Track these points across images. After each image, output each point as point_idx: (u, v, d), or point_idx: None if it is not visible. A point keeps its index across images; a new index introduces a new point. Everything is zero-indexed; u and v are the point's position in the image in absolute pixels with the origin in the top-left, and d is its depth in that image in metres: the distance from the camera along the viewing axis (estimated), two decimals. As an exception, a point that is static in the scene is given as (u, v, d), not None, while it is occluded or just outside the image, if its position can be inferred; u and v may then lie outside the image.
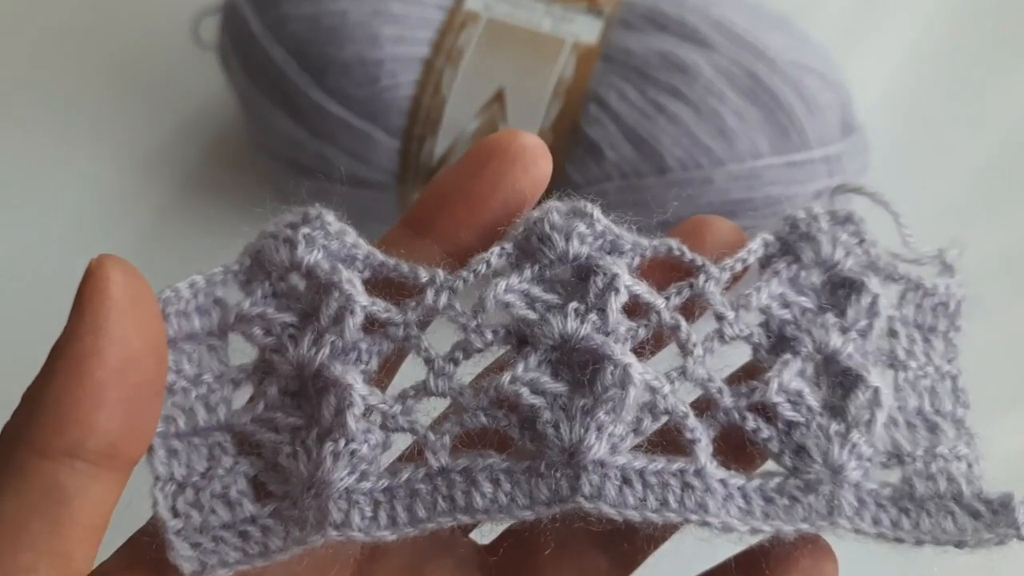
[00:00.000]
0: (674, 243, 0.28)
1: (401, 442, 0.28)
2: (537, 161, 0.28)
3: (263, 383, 0.27)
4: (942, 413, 0.28)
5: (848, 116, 0.52)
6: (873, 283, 0.28)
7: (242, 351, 0.29)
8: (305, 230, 0.27)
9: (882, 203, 0.30)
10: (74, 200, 0.62)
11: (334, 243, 0.27)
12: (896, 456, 0.28)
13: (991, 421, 0.49)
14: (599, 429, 0.25)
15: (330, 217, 0.28)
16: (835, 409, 0.27)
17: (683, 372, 0.27)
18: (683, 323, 0.27)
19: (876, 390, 0.27)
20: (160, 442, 0.26)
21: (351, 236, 0.28)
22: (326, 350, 0.26)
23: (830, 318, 0.28)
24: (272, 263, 0.27)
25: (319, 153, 0.52)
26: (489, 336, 0.27)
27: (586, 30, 0.50)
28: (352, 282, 0.27)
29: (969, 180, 0.65)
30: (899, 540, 0.27)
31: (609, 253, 0.27)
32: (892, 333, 0.29)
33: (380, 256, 0.28)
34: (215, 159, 0.64)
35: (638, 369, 0.26)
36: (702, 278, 0.28)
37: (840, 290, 0.28)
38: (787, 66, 0.49)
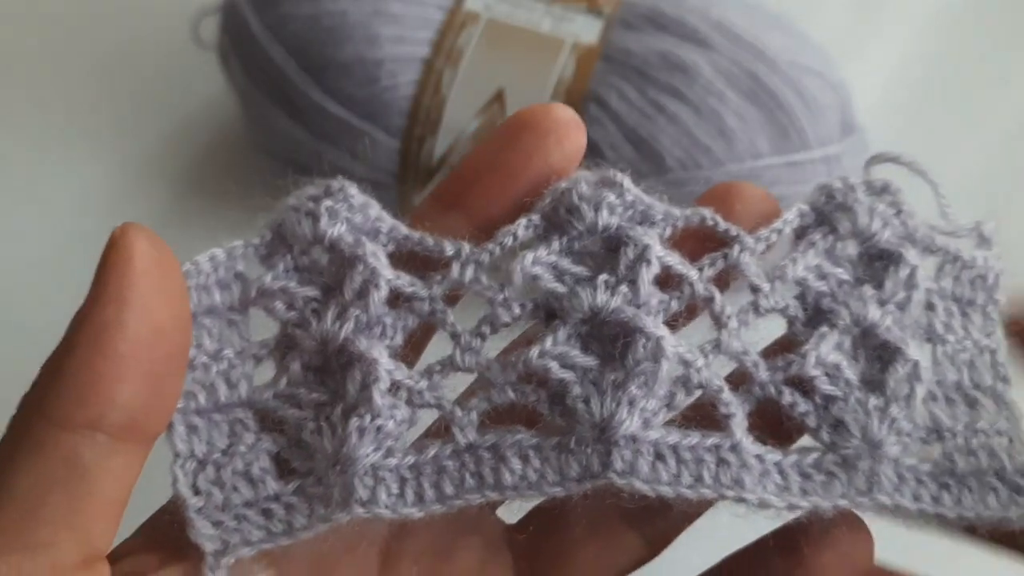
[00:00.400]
0: (707, 212, 0.27)
1: (427, 418, 0.27)
2: (571, 134, 0.27)
3: (285, 358, 0.27)
4: (982, 388, 0.27)
5: (848, 116, 0.52)
6: (911, 255, 0.27)
7: (263, 326, 0.28)
8: (328, 203, 0.26)
9: (920, 172, 0.29)
10: (74, 200, 0.62)
11: (357, 216, 0.26)
12: (936, 431, 0.27)
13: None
14: (631, 403, 0.25)
15: (353, 190, 0.27)
16: (873, 383, 0.27)
17: (717, 345, 0.26)
18: (717, 295, 0.26)
19: (915, 364, 0.26)
20: (180, 418, 0.25)
21: (375, 209, 0.27)
22: (350, 324, 0.25)
23: (868, 290, 0.27)
24: (294, 236, 0.26)
25: (319, 153, 0.52)
26: (517, 310, 0.26)
27: (586, 30, 0.50)
28: (376, 255, 0.26)
29: (969, 180, 0.65)
30: (941, 517, 0.26)
31: (640, 224, 0.26)
32: (930, 306, 0.28)
33: (404, 229, 0.27)
34: (215, 159, 0.64)
35: (671, 342, 0.25)
36: (736, 248, 0.27)
37: (877, 262, 0.27)
38: (787, 66, 0.49)
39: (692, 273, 0.26)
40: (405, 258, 0.27)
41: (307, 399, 0.26)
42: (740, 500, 0.25)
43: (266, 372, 0.28)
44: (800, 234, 0.28)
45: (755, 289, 0.27)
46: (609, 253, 0.26)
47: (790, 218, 0.27)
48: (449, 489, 0.25)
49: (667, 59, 0.48)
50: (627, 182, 0.27)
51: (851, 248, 0.27)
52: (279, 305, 0.26)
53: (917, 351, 0.27)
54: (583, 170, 0.27)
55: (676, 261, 0.26)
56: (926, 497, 0.26)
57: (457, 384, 0.28)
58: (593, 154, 0.48)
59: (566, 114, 0.27)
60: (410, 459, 0.25)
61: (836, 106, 0.51)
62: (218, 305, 0.26)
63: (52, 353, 0.25)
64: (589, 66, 0.49)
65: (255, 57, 0.52)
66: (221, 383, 0.26)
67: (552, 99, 0.49)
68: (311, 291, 0.26)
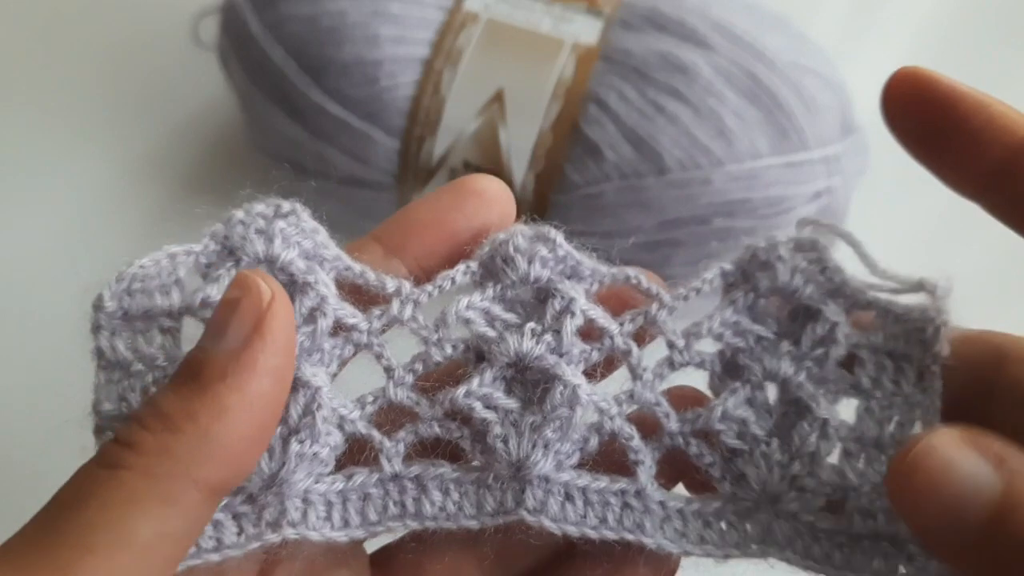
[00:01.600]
0: (632, 272, 0.29)
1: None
2: (509, 208, 0.29)
3: None
4: (906, 443, 0.26)
5: (847, 116, 0.52)
6: (831, 310, 0.27)
7: (191, 336, 0.27)
8: (281, 224, 0.27)
9: (839, 235, 0.29)
10: (74, 199, 0.62)
11: (307, 241, 0.27)
12: (841, 489, 0.27)
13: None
14: (546, 446, 0.26)
15: (305, 215, 0.28)
16: (783, 438, 0.27)
17: (631, 395, 0.28)
18: (635, 348, 0.28)
19: (824, 422, 0.27)
20: (108, 422, 0.25)
21: (322, 235, 0.28)
22: (295, 350, 0.26)
23: (785, 346, 0.28)
24: (243, 251, 0.27)
25: (318, 153, 0.52)
26: (448, 350, 0.28)
27: (586, 30, 0.50)
28: (327, 285, 0.27)
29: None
30: (827, 574, 0.27)
31: (569, 278, 0.28)
32: (859, 361, 0.28)
33: (348, 260, 0.28)
34: (214, 159, 0.64)
35: (586, 390, 0.27)
36: (655, 306, 0.28)
37: (799, 318, 0.28)
38: (786, 67, 0.49)
39: (613, 327, 0.28)
40: (338, 284, 0.28)
41: None
42: (639, 544, 0.27)
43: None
44: (727, 291, 0.29)
45: (670, 345, 0.28)
46: (538, 303, 0.28)
47: (709, 277, 0.28)
48: (373, 516, 0.26)
49: (667, 59, 0.48)
50: (560, 238, 0.28)
51: (776, 305, 0.28)
52: None
53: (829, 410, 0.27)
54: (521, 224, 0.28)
55: (599, 315, 0.28)
56: (817, 554, 0.26)
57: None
58: (593, 154, 0.48)
59: (505, 191, 0.29)
60: (338, 485, 0.26)
61: (836, 106, 0.51)
62: (156, 310, 0.26)
63: (188, 399, 0.24)
64: (589, 66, 0.49)
65: (255, 57, 0.52)
66: (155, 392, 0.26)
67: (552, 99, 0.49)
68: None
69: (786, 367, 0.27)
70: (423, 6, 0.51)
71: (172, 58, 0.66)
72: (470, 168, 0.50)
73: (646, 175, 0.48)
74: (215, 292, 0.26)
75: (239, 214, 0.27)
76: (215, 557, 0.26)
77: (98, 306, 0.26)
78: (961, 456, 0.22)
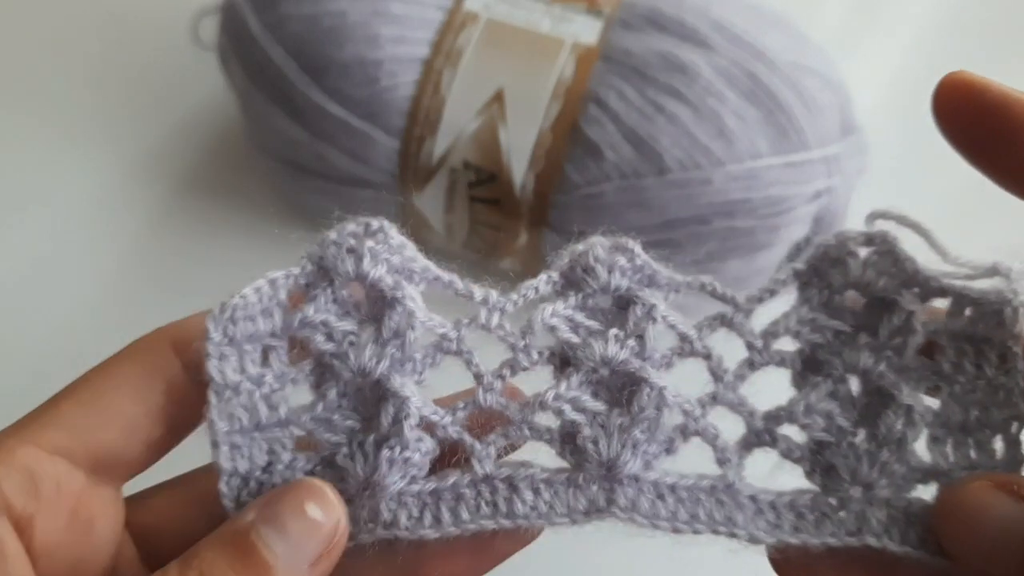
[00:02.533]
0: (706, 279, 0.29)
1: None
2: None
3: (322, 386, 0.29)
4: (991, 426, 0.28)
5: (847, 116, 0.52)
6: (906, 300, 0.28)
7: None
8: (370, 243, 0.28)
9: (910, 225, 0.30)
10: (74, 199, 0.62)
11: (395, 257, 0.29)
12: (932, 473, 0.28)
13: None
14: (635, 446, 0.27)
15: (393, 231, 0.29)
16: (869, 427, 0.28)
17: (714, 397, 0.29)
18: (714, 352, 0.29)
19: (908, 408, 0.28)
20: (224, 438, 0.27)
21: (410, 250, 0.29)
22: (386, 362, 0.28)
23: (863, 338, 0.28)
24: (336, 271, 0.28)
25: (318, 153, 0.52)
26: (535, 356, 0.29)
27: (585, 30, 0.50)
28: (415, 299, 0.29)
29: (968, 180, 0.65)
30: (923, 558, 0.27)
31: (647, 286, 0.29)
32: (939, 348, 0.29)
33: (435, 270, 0.30)
34: (215, 159, 0.64)
35: (672, 392, 0.28)
36: (731, 310, 0.29)
37: (875, 310, 0.29)
38: (786, 67, 0.49)
39: (692, 332, 0.29)
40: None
41: (342, 425, 0.28)
42: (732, 536, 0.28)
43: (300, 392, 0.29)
44: (802, 289, 0.29)
45: (749, 346, 0.29)
46: (619, 311, 0.29)
47: (782, 277, 0.29)
48: (465, 515, 0.28)
49: (667, 59, 0.48)
50: (637, 248, 0.29)
51: (850, 299, 0.29)
52: (319, 336, 0.28)
53: (912, 396, 0.28)
54: (598, 236, 0.30)
55: (679, 320, 0.29)
56: (913, 538, 0.27)
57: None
58: (593, 154, 0.48)
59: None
60: (431, 485, 0.28)
61: (835, 106, 0.51)
62: (261, 332, 0.28)
63: None
64: (589, 66, 0.49)
65: (255, 57, 0.52)
66: (262, 405, 0.28)
67: (552, 99, 0.49)
68: (349, 324, 0.29)
69: (866, 359, 0.28)
70: (423, 6, 0.51)
71: (172, 58, 0.66)
72: (470, 168, 0.50)
73: (646, 175, 0.48)
74: (312, 311, 0.28)
75: (332, 235, 0.29)
76: None
77: (205, 336, 0.27)
78: (995, 500, 0.24)
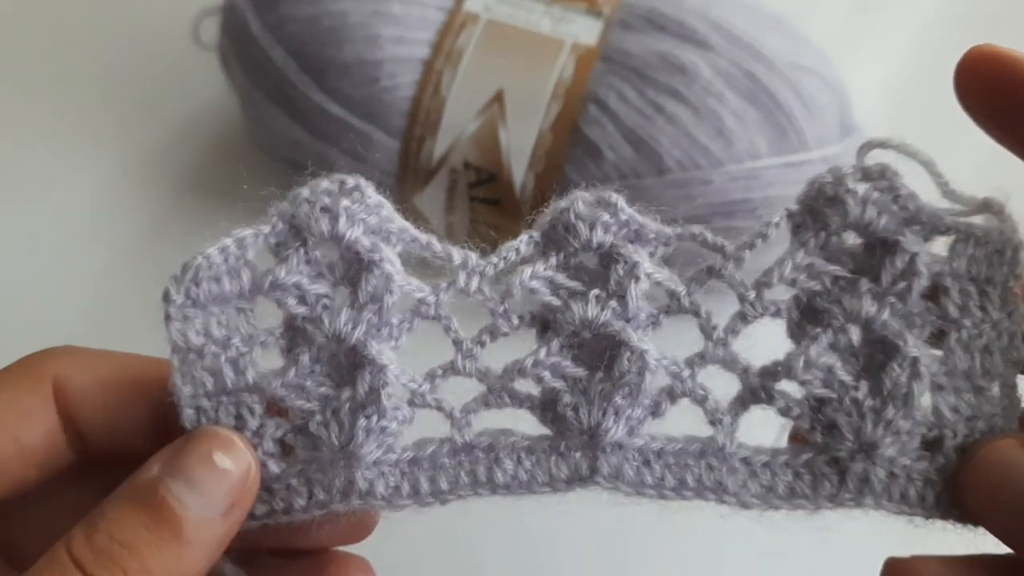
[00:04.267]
0: (696, 229, 0.28)
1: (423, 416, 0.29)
2: None
3: (294, 350, 0.27)
4: (992, 374, 0.26)
5: (846, 117, 0.52)
6: (908, 240, 0.26)
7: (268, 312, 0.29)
8: (346, 202, 0.27)
9: (911, 153, 0.28)
10: (75, 199, 0.62)
11: (372, 217, 0.27)
12: (937, 426, 0.26)
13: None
14: (616, 412, 0.26)
15: (370, 190, 0.28)
16: (873, 381, 0.26)
17: (702, 356, 0.27)
18: (702, 308, 0.27)
19: (915, 360, 0.25)
20: (189, 402, 0.26)
21: (387, 209, 0.28)
22: (363, 327, 0.26)
23: (864, 284, 0.26)
24: (309, 231, 0.27)
25: (319, 153, 0.52)
26: (515, 321, 0.28)
27: (585, 31, 0.51)
28: (392, 262, 0.27)
29: (967, 180, 0.65)
30: (924, 516, 0.26)
31: (632, 242, 0.27)
32: (944, 290, 0.26)
33: (413, 231, 0.28)
34: (215, 159, 0.64)
35: (654, 355, 0.26)
36: (719, 259, 0.27)
37: (876, 252, 0.26)
38: (786, 67, 0.49)
39: (680, 288, 0.27)
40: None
41: (314, 392, 0.27)
42: (722, 502, 0.26)
43: (270, 356, 0.29)
44: (796, 232, 0.27)
45: (741, 298, 0.27)
46: (602, 269, 0.27)
47: (776, 220, 0.27)
48: (444, 485, 0.27)
49: (666, 60, 0.48)
50: (621, 202, 0.27)
51: (850, 241, 0.27)
52: (291, 299, 0.27)
53: (917, 346, 0.26)
54: (581, 191, 0.28)
55: (665, 277, 0.27)
56: (912, 496, 0.25)
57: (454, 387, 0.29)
58: (593, 154, 0.48)
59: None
60: (409, 455, 0.27)
61: (834, 106, 0.51)
62: (227, 293, 0.27)
63: (146, 544, 0.25)
64: (588, 67, 0.49)
65: (255, 58, 0.52)
66: (229, 369, 0.27)
67: (552, 99, 0.49)
68: (322, 287, 0.27)
69: (868, 306, 0.26)
70: (423, 7, 0.51)
71: (173, 58, 0.66)
72: (470, 168, 0.50)
73: (646, 175, 0.48)
74: (284, 273, 0.27)
75: (304, 192, 0.27)
76: (284, 518, 0.27)
77: (166, 298, 0.27)
78: (1017, 457, 0.23)
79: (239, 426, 0.27)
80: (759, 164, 0.47)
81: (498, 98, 0.50)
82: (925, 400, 0.26)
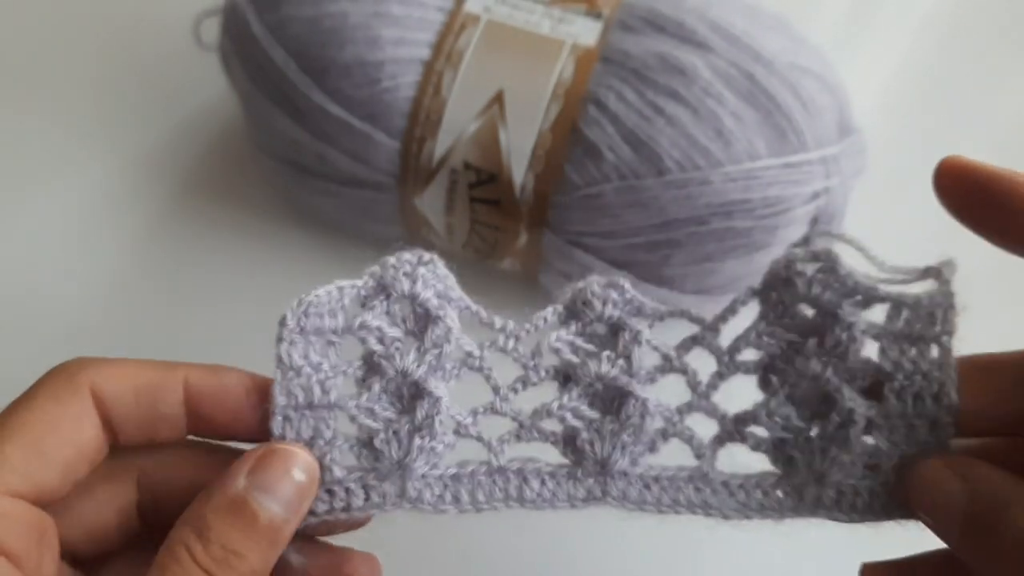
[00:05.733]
0: (683, 309, 0.35)
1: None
2: None
3: (368, 379, 0.34)
4: (924, 416, 0.32)
5: (845, 117, 0.52)
6: (846, 311, 0.33)
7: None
8: (422, 270, 0.34)
9: (848, 241, 0.35)
10: (76, 199, 0.62)
11: (439, 284, 0.35)
12: (876, 455, 0.33)
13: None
14: (623, 447, 0.33)
15: (440, 264, 0.35)
16: (822, 425, 0.33)
17: (690, 405, 0.35)
18: (690, 368, 0.35)
19: (850, 411, 0.32)
20: (281, 410, 0.33)
21: (451, 280, 0.36)
22: (424, 367, 0.34)
23: (812, 348, 0.33)
24: (392, 288, 0.34)
25: (320, 154, 0.52)
26: (543, 373, 0.35)
27: (585, 32, 0.51)
28: (454, 320, 0.35)
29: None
30: (872, 521, 0.33)
31: (635, 315, 0.35)
32: (881, 349, 0.33)
33: (468, 301, 0.36)
34: (216, 160, 0.64)
35: (653, 403, 0.34)
36: (700, 330, 0.35)
37: (823, 321, 0.33)
38: (785, 68, 0.49)
39: (672, 352, 0.35)
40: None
41: (381, 414, 0.34)
42: (708, 515, 0.34)
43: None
44: (761, 304, 0.35)
45: (718, 360, 0.35)
46: (611, 335, 0.35)
47: (742, 298, 0.35)
48: (480, 497, 0.34)
49: (665, 61, 0.49)
50: (627, 284, 0.35)
51: (801, 313, 0.34)
52: (372, 338, 0.34)
53: (853, 399, 0.33)
54: (596, 275, 0.36)
55: (660, 344, 0.35)
56: (860, 506, 0.33)
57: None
58: (592, 155, 0.48)
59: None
60: (452, 471, 0.34)
61: (834, 107, 0.51)
62: (325, 328, 0.34)
63: (242, 543, 0.30)
64: (588, 68, 0.49)
65: (256, 58, 0.53)
66: (317, 388, 0.33)
67: (552, 100, 0.49)
68: (398, 332, 0.35)
69: (815, 366, 0.33)
70: (424, 8, 0.52)
71: (174, 59, 0.66)
72: (470, 168, 0.50)
73: (645, 176, 0.48)
74: (370, 318, 0.34)
75: (391, 260, 0.35)
76: (343, 515, 0.33)
77: (282, 323, 0.33)
78: (942, 476, 0.31)
79: (315, 436, 0.33)
80: (758, 165, 0.47)
81: (498, 99, 0.50)
82: (861, 440, 0.33)
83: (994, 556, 0.28)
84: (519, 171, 0.49)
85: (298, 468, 0.31)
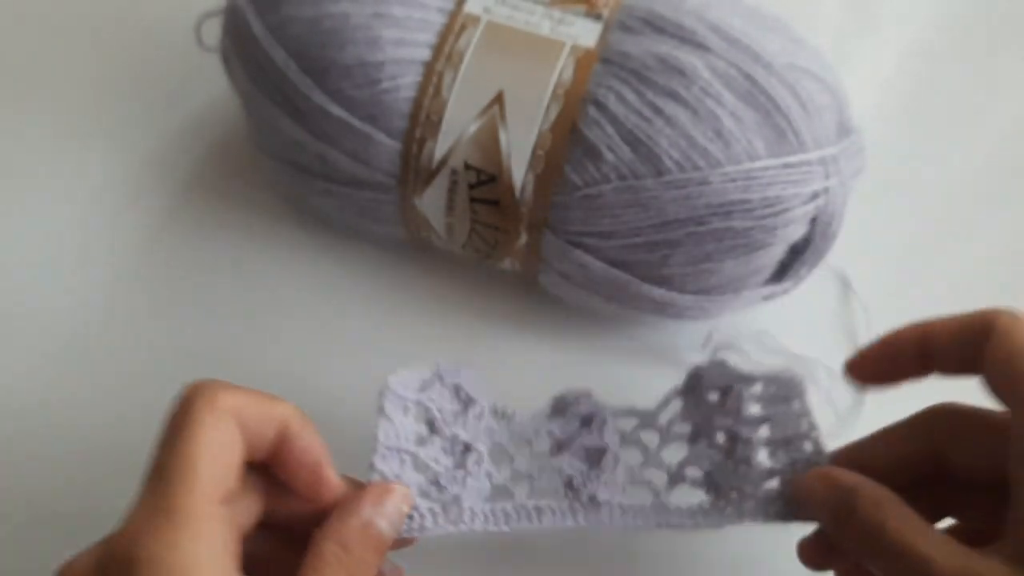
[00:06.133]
0: (632, 407, 0.50)
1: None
2: None
3: (433, 437, 0.46)
4: (798, 440, 0.45)
5: (844, 118, 0.52)
6: (736, 388, 0.48)
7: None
8: (466, 371, 0.48)
9: (737, 350, 0.53)
10: (76, 201, 0.62)
11: (476, 379, 0.49)
12: (772, 472, 0.45)
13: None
14: (604, 485, 0.45)
15: (476, 369, 0.49)
16: (733, 457, 0.46)
17: (646, 461, 0.49)
18: (642, 439, 0.50)
19: (748, 441, 0.46)
20: (381, 448, 0.43)
21: (483, 377, 0.49)
22: (471, 431, 0.47)
23: (720, 411, 0.48)
24: (445, 380, 0.47)
25: (320, 155, 0.53)
26: (546, 445, 0.48)
27: (585, 33, 0.51)
28: (486, 400, 0.48)
29: (965, 181, 0.65)
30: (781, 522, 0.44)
31: (604, 406, 0.49)
32: (764, 405, 0.47)
33: (491, 399, 0.49)
34: (217, 160, 0.64)
35: (624, 456, 0.47)
36: (650, 415, 0.50)
37: (726, 395, 0.48)
38: (784, 69, 0.49)
39: (629, 430, 0.49)
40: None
41: (443, 461, 0.45)
42: (667, 528, 0.45)
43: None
44: (683, 394, 0.49)
45: (661, 435, 0.50)
46: (587, 423, 0.48)
47: (670, 396, 0.50)
48: (512, 521, 0.44)
49: (665, 62, 0.49)
50: (595, 392, 0.48)
51: (714, 392, 0.48)
52: (434, 408, 0.46)
53: (751, 435, 0.47)
54: (573, 387, 0.49)
55: (622, 424, 0.49)
56: (773, 512, 0.44)
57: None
58: (592, 156, 0.49)
59: None
60: (490, 504, 0.44)
61: (833, 108, 0.51)
62: (407, 395, 0.45)
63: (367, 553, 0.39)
64: (588, 68, 0.50)
65: (257, 59, 0.53)
66: (401, 436, 0.44)
67: (551, 101, 0.49)
68: (452, 406, 0.47)
69: (722, 420, 0.47)
70: (424, 9, 0.52)
71: (175, 60, 0.66)
72: (471, 169, 0.50)
73: (644, 176, 0.48)
74: (434, 395, 0.46)
75: (443, 363, 0.47)
76: (418, 533, 0.42)
77: (383, 390, 0.45)
78: (816, 485, 0.41)
79: (399, 473, 0.43)
80: (757, 165, 0.48)
81: (498, 99, 0.50)
82: (766, 461, 0.46)
83: (850, 537, 0.38)
84: (519, 171, 0.50)
85: (404, 500, 0.41)
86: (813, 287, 0.55)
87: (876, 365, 0.42)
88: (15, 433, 0.53)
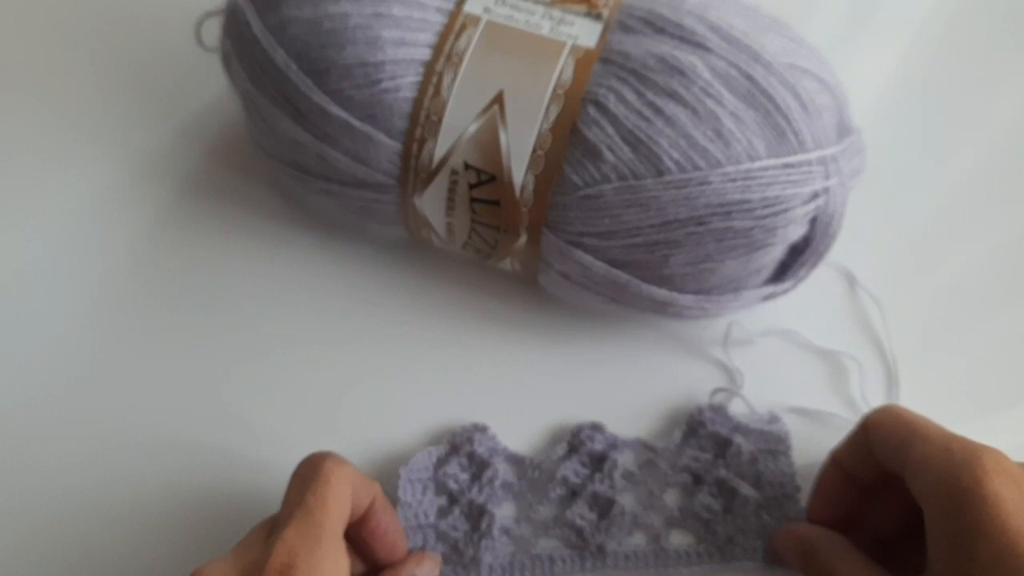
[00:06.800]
0: (640, 439, 0.54)
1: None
2: None
3: (453, 507, 0.50)
4: (784, 497, 0.51)
5: (844, 118, 0.52)
6: (736, 438, 0.52)
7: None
8: (478, 435, 0.53)
9: (737, 395, 0.55)
10: (76, 201, 0.62)
11: (489, 443, 0.53)
12: (762, 527, 0.50)
13: (991, 417, 0.51)
14: (611, 536, 0.50)
15: (489, 430, 0.53)
16: (729, 509, 0.51)
17: (651, 506, 0.51)
18: (643, 485, 0.52)
19: (745, 498, 0.50)
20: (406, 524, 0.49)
21: (497, 439, 0.53)
22: (484, 496, 0.51)
23: (720, 462, 0.52)
24: (460, 448, 0.52)
25: (320, 155, 0.53)
26: (560, 491, 0.52)
27: (585, 33, 0.51)
28: (501, 463, 0.53)
29: (965, 181, 0.65)
30: (767, 564, 0.50)
31: (614, 448, 0.53)
32: (753, 459, 0.52)
33: (509, 450, 0.53)
34: (217, 160, 0.64)
35: (630, 506, 0.51)
36: (654, 454, 0.54)
37: (724, 445, 0.52)
38: (784, 69, 0.49)
39: (637, 473, 0.53)
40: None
41: (461, 527, 0.50)
42: (666, 569, 0.50)
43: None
44: (684, 439, 0.53)
45: (664, 480, 0.53)
46: (599, 461, 0.52)
47: (670, 446, 0.53)
48: (526, 571, 0.49)
49: (665, 62, 0.49)
50: (607, 428, 0.53)
51: (711, 440, 0.52)
52: (451, 481, 0.51)
53: (747, 488, 0.50)
54: (581, 423, 0.54)
55: (630, 468, 0.53)
56: (763, 554, 0.49)
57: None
58: (592, 156, 0.49)
59: None
60: (507, 558, 0.50)
61: (833, 108, 0.51)
62: (423, 474, 0.51)
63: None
64: (588, 68, 0.50)
65: (257, 59, 0.53)
66: (420, 513, 0.50)
67: (551, 101, 0.49)
68: (466, 476, 0.51)
69: (721, 472, 0.51)
70: (424, 9, 0.52)
71: (175, 60, 0.66)
72: (471, 169, 0.51)
73: (644, 176, 0.48)
74: (449, 468, 0.51)
75: (457, 431, 0.52)
76: None
77: (402, 469, 0.50)
78: (784, 540, 0.48)
79: (421, 546, 0.49)
80: (757, 165, 0.48)
81: (498, 99, 0.50)
82: (756, 514, 0.50)
83: None
84: (519, 171, 0.50)
85: (437, 565, 0.48)
86: (814, 287, 0.55)
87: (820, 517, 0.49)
88: (15, 433, 0.54)
